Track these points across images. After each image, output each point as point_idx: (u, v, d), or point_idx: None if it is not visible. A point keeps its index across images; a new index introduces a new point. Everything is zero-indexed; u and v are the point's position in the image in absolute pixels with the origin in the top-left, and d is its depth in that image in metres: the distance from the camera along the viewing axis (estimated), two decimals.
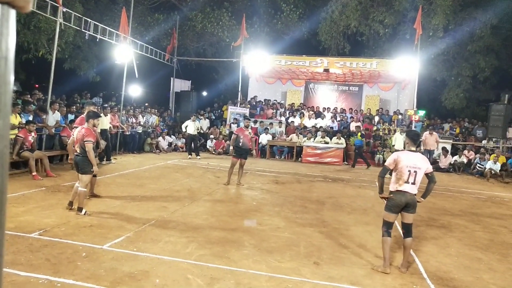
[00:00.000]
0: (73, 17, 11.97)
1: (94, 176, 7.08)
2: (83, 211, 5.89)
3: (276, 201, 7.95)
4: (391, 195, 4.52)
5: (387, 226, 4.54)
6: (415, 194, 4.48)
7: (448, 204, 8.69)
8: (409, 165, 4.42)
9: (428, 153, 13.73)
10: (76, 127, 6.77)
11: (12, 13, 0.47)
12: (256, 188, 9.21)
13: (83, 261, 4.16)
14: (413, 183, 4.43)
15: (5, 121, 0.48)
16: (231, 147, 9.59)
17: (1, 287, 0.51)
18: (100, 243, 4.72)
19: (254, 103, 19.90)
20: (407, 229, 4.57)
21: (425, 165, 4.48)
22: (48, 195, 7.02)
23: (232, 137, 9.80)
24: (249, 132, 9.49)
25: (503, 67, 19.27)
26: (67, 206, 6.11)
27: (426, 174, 4.55)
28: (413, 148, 4.59)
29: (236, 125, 17.06)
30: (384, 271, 4.42)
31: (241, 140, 9.24)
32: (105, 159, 11.26)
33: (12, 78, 0.48)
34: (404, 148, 5.29)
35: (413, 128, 15.30)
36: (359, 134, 15.79)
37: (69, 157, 6.44)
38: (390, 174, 4.71)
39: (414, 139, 4.65)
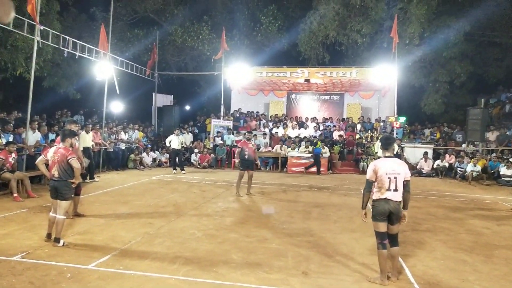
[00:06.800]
0: (51, 35, 11.86)
1: (78, 195, 6.94)
2: (61, 241, 5.28)
3: (262, 212, 7.94)
4: (375, 203, 4.44)
5: (380, 237, 4.40)
6: (400, 202, 4.40)
7: (432, 208, 8.81)
8: (388, 171, 4.36)
9: None
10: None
11: None
12: (242, 200, 9.19)
13: (68, 282, 4.07)
14: (395, 190, 4.34)
15: None
16: (236, 160, 10.28)
17: None
18: (85, 263, 4.63)
19: (237, 115, 19.94)
20: (392, 239, 4.46)
21: (404, 171, 4.42)
22: (30, 216, 6.87)
23: (237, 151, 10.51)
24: (253, 145, 10.13)
25: (478, 72, 19.81)
26: (45, 239, 5.42)
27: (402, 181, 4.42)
28: (389, 154, 4.55)
29: (220, 138, 17.10)
30: (382, 283, 4.34)
31: (246, 153, 9.80)
32: (88, 177, 11.08)
33: None
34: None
35: (394, 135, 15.54)
36: (319, 143, 15.85)
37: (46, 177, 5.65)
38: None
39: (384, 143, 4.61)
